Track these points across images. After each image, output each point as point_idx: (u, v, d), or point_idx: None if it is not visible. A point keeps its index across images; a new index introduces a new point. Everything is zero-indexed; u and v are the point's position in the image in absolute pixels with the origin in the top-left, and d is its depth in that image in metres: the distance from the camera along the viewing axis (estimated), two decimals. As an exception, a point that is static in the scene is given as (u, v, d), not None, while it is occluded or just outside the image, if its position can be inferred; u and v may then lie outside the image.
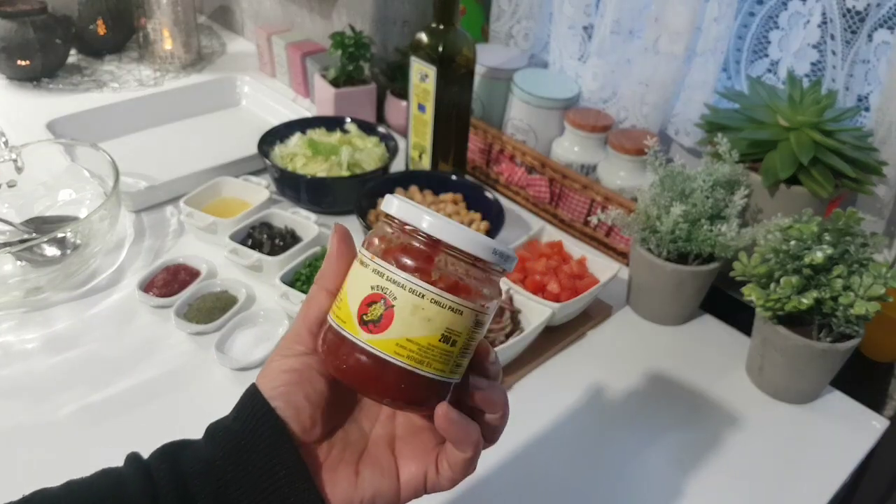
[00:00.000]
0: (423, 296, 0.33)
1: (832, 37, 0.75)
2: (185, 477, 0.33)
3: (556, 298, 0.72)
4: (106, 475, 0.35)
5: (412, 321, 0.33)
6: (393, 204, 0.35)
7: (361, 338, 0.34)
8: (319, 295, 0.37)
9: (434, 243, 0.34)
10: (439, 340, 0.34)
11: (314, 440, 0.36)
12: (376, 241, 0.35)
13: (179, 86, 1.20)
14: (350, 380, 0.34)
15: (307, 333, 0.37)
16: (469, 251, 0.34)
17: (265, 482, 0.34)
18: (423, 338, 0.34)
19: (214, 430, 0.36)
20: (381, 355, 0.33)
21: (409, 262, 0.34)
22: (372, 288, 0.34)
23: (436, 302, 0.34)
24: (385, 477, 0.37)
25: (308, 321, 0.37)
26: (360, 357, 0.34)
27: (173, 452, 0.35)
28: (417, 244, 0.34)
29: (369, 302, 0.34)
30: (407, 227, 0.34)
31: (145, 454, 0.36)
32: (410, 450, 0.38)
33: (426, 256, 0.34)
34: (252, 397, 0.35)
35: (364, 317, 0.34)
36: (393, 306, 0.33)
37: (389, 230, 0.35)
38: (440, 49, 0.85)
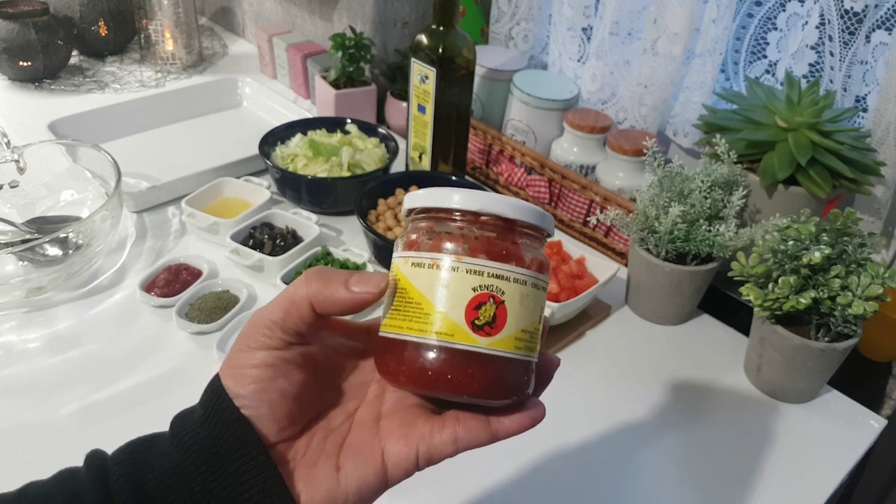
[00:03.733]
0: (525, 282, 0.32)
1: (830, 38, 0.76)
2: (145, 488, 0.31)
3: (556, 298, 0.73)
4: (63, 482, 0.33)
5: (521, 311, 0.32)
6: (455, 197, 0.33)
7: (480, 344, 0.32)
8: (338, 291, 0.32)
9: (510, 226, 0.33)
10: (539, 322, 0.34)
11: (293, 436, 0.34)
12: (448, 243, 0.32)
13: (181, 87, 1.20)
14: (467, 392, 0.32)
15: (289, 328, 0.33)
16: (538, 224, 0.33)
17: (236, 496, 0.32)
18: (532, 324, 0.33)
19: (181, 430, 0.33)
20: (503, 355, 0.32)
21: (503, 251, 0.32)
22: (474, 289, 0.32)
23: (534, 285, 0.33)
24: (370, 464, 0.34)
25: (297, 317, 0.33)
26: (483, 366, 0.32)
27: (136, 457, 0.33)
28: (499, 231, 0.33)
29: (476, 305, 0.32)
30: (483, 216, 0.32)
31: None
32: (397, 427, 0.35)
33: (512, 241, 0.33)
34: (218, 398, 0.33)
35: (476, 322, 0.31)
36: (503, 301, 0.32)
37: (455, 224, 0.33)
38: (440, 50, 0.85)
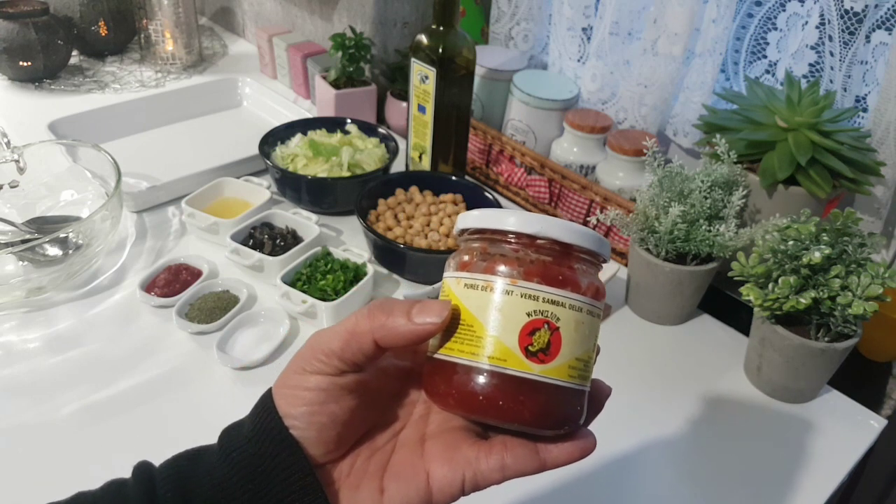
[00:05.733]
0: (581, 309, 0.32)
1: (830, 38, 0.76)
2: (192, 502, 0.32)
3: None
4: (111, 493, 0.33)
5: (576, 338, 0.31)
6: (511, 220, 0.32)
7: (534, 371, 0.31)
8: (400, 322, 0.32)
9: (567, 250, 0.32)
10: (593, 350, 0.33)
11: (338, 458, 0.34)
12: (502, 266, 0.32)
13: (181, 87, 1.20)
14: (518, 420, 0.31)
15: (347, 359, 0.32)
16: (596, 249, 0.33)
17: None
18: (586, 352, 0.32)
19: (230, 445, 0.33)
20: (557, 383, 0.31)
21: (559, 277, 0.31)
22: (529, 314, 0.31)
23: (589, 312, 0.32)
24: (413, 488, 0.33)
25: (357, 349, 0.32)
26: (536, 393, 0.31)
27: (183, 472, 0.33)
28: (555, 256, 0.32)
29: (530, 330, 0.31)
30: (540, 240, 0.32)
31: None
32: (443, 450, 0.34)
33: (568, 266, 0.32)
34: (268, 415, 0.33)
35: (529, 348, 0.31)
36: (558, 328, 0.31)
37: (510, 247, 0.32)
38: (440, 50, 0.85)
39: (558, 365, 0.31)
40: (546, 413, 0.31)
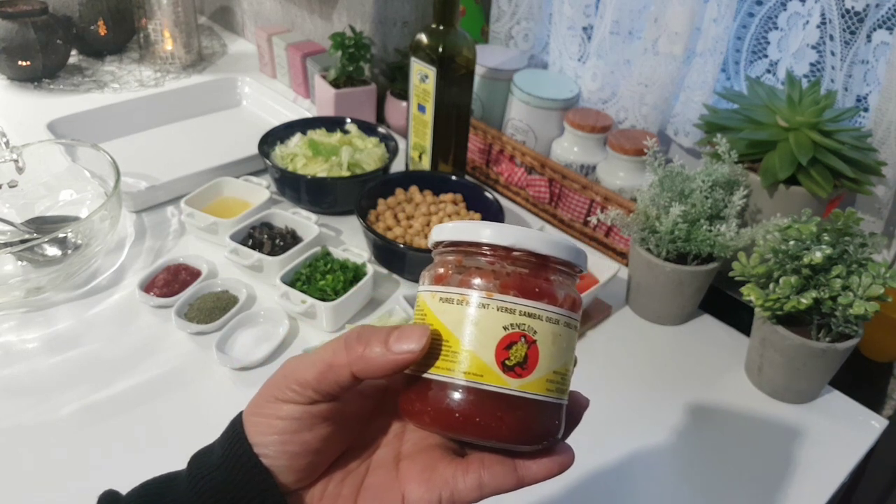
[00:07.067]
0: (558, 322, 0.31)
1: (831, 37, 0.76)
2: None
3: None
4: None
5: (553, 351, 0.31)
6: (486, 231, 0.31)
7: (511, 386, 0.30)
8: (376, 352, 0.31)
9: (544, 262, 0.32)
10: (571, 362, 0.32)
11: (310, 484, 0.34)
12: (478, 279, 0.31)
13: (180, 86, 1.20)
14: (496, 437, 0.30)
15: (322, 391, 0.32)
16: (572, 260, 0.32)
17: None
18: (564, 365, 0.32)
19: (198, 472, 0.32)
20: (534, 398, 0.30)
21: (536, 289, 0.31)
22: (505, 328, 0.30)
23: (567, 325, 0.32)
24: None
25: (333, 381, 0.31)
26: (514, 409, 0.30)
27: (150, 500, 0.32)
28: (531, 267, 0.31)
29: (507, 344, 0.30)
30: (515, 252, 0.31)
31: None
32: (419, 470, 0.33)
33: (544, 278, 0.31)
34: (238, 442, 0.32)
35: (506, 362, 0.30)
36: (535, 341, 0.30)
37: (486, 259, 0.32)
38: (440, 50, 0.85)
39: (536, 379, 0.30)
40: (524, 429, 0.30)
